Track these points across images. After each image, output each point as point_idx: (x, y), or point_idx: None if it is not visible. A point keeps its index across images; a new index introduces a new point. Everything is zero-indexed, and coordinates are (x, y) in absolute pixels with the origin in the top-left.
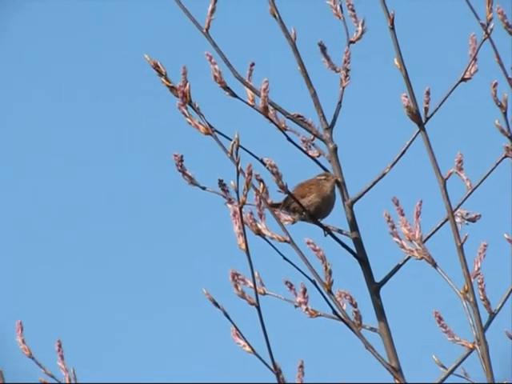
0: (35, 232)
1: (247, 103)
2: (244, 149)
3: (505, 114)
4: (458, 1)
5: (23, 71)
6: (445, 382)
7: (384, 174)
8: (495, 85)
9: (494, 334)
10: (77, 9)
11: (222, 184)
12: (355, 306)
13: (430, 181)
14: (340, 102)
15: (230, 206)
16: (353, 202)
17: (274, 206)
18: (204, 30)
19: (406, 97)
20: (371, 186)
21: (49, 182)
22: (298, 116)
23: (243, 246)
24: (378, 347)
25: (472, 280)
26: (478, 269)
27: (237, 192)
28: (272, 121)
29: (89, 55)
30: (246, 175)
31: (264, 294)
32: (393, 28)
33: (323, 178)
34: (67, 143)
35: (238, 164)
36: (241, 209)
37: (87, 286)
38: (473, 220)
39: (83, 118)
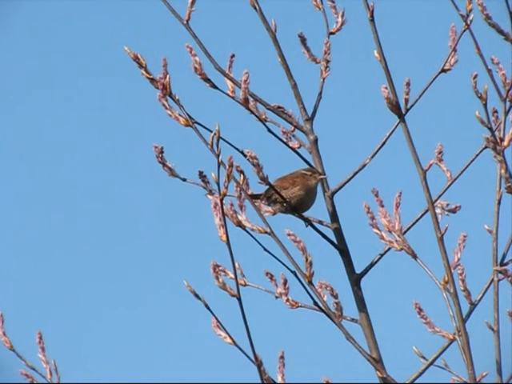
0: (15, 223)
1: (228, 95)
2: (224, 140)
3: (485, 105)
4: None
5: None
6: (425, 372)
7: (364, 165)
8: (475, 76)
9: (474, 324)
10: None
11: (202, 175)
12: (336, 296)
13: (410, 172)
14: (320, 94)
15: (210, 197)
16: (333, 193)
17: (254, 197)
18: (184, 22)
19: (386, 88)
20: (351, 177)
21: (26, 169)
22: (279, 107)
23: (224, 238)
24: (358, 338)
25: (452, 271)
26: (458, 259)
27: (217, 183)
28: (252, 112)
29: (69, 47)
30: (227, 167)
31: (245, 285)
32: (372, 19)
33: (309, 173)
34: (47, 133)
35: (218, 156)
36: (221, 200)
37: (68, 278)
38: (453, 211)
39: (63, 110)
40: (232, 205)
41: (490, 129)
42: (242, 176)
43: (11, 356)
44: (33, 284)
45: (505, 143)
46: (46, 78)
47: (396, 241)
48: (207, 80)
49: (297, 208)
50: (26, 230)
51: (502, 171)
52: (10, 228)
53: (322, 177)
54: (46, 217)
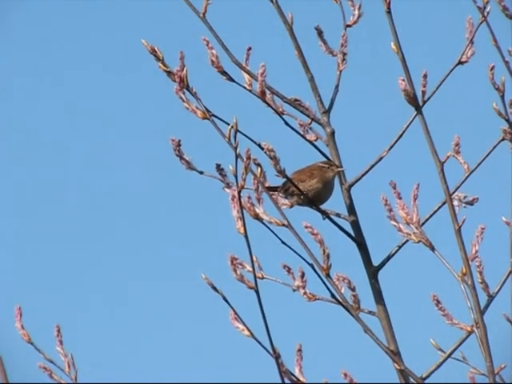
0: (33, 216)
1: (244, 87)
2: (242, 133)
3: (502, 97)
4: None
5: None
6: (443, 365)
7: (381, 158)
8: (492, 68)
9: (492, 316)
10: None
11: (219, 168)
12: (353, 289)
13: (428, 164)
14: (337, 86)
15: (228, 190)
16: (350, 186)
17: (271, 190)
18: (201, 15)
19: (403, 80)
20: (369, 170)
21: (40, 162)
22: (296, 100)
23: (242, 230)
24: (376, 331)
25: (470, 263)
26: (476, 252)
27: (235, 176)
28: (269, 105)
29: (87, 40)
30: (245, 159)
31: (262, 278)
32: (389, 12)
33: (326, 166)
34: (64, 126)
35: (236, 148)
36: (239, 193)
37: (86, 271)
38: (470, 203)
39: (81, 103)
40: (249, 197)
41: (508, 120)
42: (259, 169)
43: (29, 349)
44: (50, 277)
45: None
46: (62, 71)
47: (414, 233)
48: (224, 73)
49: (314, 201)
50: (43, 222)
51: None
52: (25, 218)
53: (339, 169)
54: (67, 207)
